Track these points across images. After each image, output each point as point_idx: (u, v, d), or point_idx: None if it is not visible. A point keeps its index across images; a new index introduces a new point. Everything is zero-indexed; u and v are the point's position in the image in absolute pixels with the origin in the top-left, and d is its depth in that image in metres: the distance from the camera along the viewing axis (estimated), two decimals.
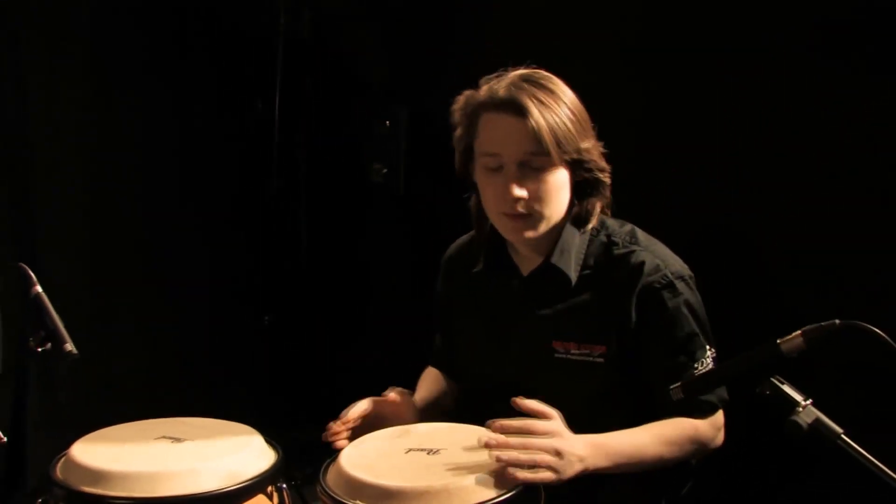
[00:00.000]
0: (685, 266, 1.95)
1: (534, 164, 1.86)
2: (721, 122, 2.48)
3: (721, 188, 2.47)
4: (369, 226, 3.65)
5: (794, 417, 1.35)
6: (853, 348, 1.49)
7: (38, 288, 1.80)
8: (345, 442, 1.88)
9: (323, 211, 3.70)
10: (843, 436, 1.33)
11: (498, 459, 1.60)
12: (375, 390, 2.07)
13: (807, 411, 1.36)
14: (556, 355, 1.95)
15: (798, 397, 1.37)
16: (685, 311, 1.90)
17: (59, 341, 1.75)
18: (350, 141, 3.64)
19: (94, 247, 3.33)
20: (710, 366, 1.89)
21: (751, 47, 2.40)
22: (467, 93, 1.95)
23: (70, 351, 1.73)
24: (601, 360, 1.91)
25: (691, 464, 1.96)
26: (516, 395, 1.98)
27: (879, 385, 2.00)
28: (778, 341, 1.38)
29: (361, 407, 1.97)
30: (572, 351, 1.93)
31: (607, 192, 1.97)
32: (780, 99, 2.36)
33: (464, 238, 2.22)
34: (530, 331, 1.99)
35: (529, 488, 1.62)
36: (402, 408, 2.05)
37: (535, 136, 1.81)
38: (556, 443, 1.66)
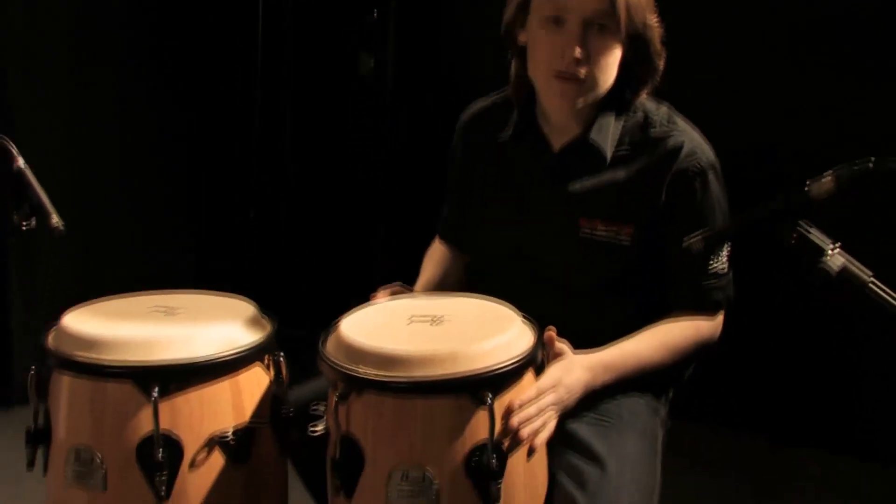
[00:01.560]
0: (715, 155, 1.87)
1: (598, 26, 1.75)
2: None
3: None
4: (357, 118, 3.57)
5: (822, 264, 1.30)
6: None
7: (21, 161, 1.73)
8: None
9: (310, 104, 3.61)
10: (873, 279, 1.28)
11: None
12: (361, 286, 1.99)
13: (834, 257, 1.30)
14: (581, 233, 1.86)
15: (826, 242, 1.31)
16: (713, 201, 1.83)
17: (44, 215, 1.68)
18: (338, 31, 3.55)
19: (72, 120, 3.30)
20: (725, 261, 1.84)
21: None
22: None
23: (56, 225, 1.66)
24: (627, 242, 1.83)
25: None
26: (535, 269, 1.92)
27: None
28: (807, 183, 1.31)
29: None
30: (598, 229, 1.85)
31: (657, 79, 1.87)
32: None
33: (483, 103, 2.08)
34: (556, 206, 1.89)
35: (534, 356, 1.58)
36: None
37: None
38: (560, 394, 1.62)
